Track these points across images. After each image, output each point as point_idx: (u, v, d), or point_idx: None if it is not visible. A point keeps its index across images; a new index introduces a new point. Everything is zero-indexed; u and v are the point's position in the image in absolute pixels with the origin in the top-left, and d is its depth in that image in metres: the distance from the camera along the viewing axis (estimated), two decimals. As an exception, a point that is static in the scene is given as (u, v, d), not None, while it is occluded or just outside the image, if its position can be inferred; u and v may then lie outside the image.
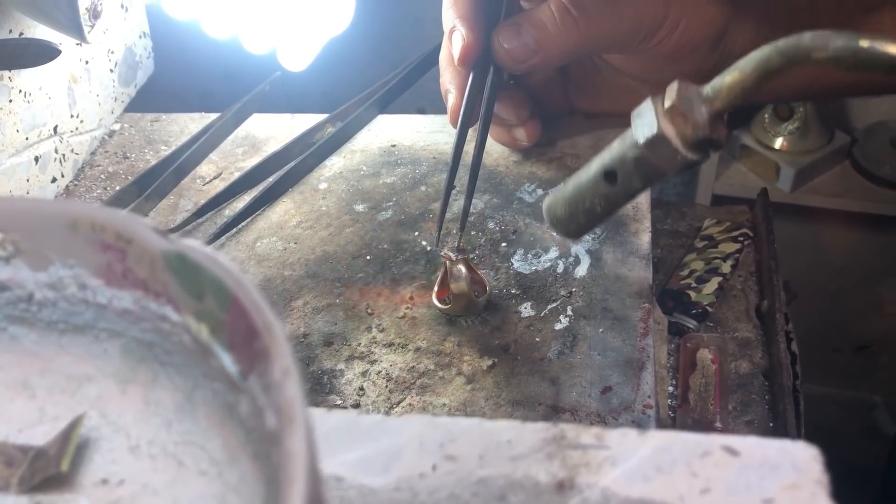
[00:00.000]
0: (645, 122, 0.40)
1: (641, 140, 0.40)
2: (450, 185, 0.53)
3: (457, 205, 0.56)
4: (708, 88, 0.39)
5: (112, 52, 0.67)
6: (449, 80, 0.54)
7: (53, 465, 0.24)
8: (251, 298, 0.20)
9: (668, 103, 0.39)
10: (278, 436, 0.18)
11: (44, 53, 0.46)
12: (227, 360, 0.22)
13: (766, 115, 1.40)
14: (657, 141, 0.39)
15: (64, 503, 0.24)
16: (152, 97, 0.73)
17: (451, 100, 0.54)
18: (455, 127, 0.54)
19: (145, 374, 0.25)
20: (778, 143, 1.40)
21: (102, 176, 0.64)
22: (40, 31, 0.56)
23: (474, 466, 0.25)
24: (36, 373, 0.26)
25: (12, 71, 0.55)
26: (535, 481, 0.24)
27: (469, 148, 0.55)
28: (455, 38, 0.51)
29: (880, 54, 0.33)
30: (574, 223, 0.45)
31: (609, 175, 0.42)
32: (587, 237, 0.54)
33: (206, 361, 0.23)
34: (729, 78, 0.38)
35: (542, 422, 0.26)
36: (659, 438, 0.25)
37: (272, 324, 0.19)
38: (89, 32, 0.51)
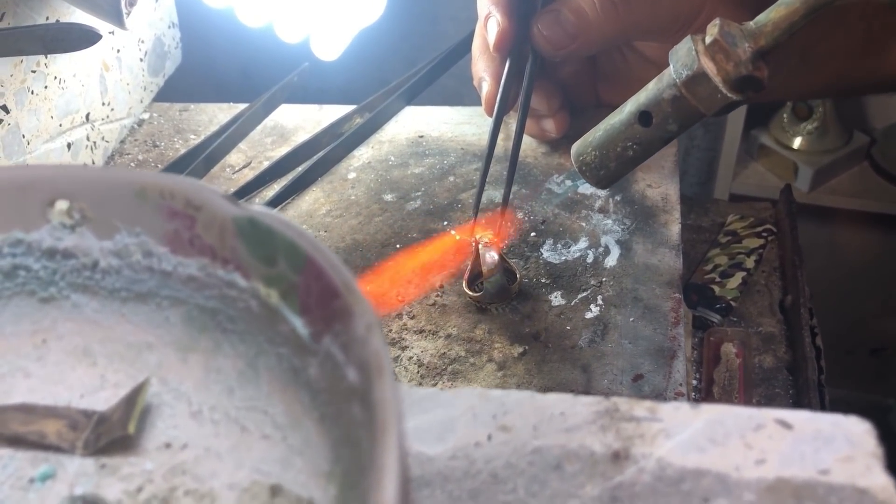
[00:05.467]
0: (683, 60, 0.37)
1: (680, 78, 0.37)
2: (485, 174, 0.53)
3: (486, 195, 0.56)
4: (752, 24, 0.37)
5: (142, 42, 0.67)
6: (483, 68, 0.55)
7: (119, 427, 0.25)
8: (327, 259, 0.20)
9: (709, 39, 0.37)
10: (364, 388, 0.18)
11: (85, 38, 0.46)
12: (298, 324, 0.22)
13: (785, 115, 1.40)
14: (697, 79, 0.37)
15: (129, 466, 0.25)
16: (171, 87, 0.73)
17: (485, 87, 0.55)
18: (490, 115, 0.54)
19: (207, 343, 0.25)
20: (796, 142, 1.39)
21: (132, 164, 0.64)
22: (76, 18, 0.57)
23: (529, 437, 0.25)
24: (97, 341, 0.27)
25: (48, 57, 0.56)
26: (590, 451, 0.25)
27: (501, 138, 0.55)
28: (490, 25, 0.52)
29: None
30: (604, 169, 0.43)
31: (644, 117, 0.40)
32: (616, 228, 0.54)
33: (273, 327, 0.23)
34: (774, 13, 0.36)
35: (594, 395, 0.27)
36: (711, 412, 0.26)
37: (351, 282, 0.20)
38: (127, 18, 0.51)
